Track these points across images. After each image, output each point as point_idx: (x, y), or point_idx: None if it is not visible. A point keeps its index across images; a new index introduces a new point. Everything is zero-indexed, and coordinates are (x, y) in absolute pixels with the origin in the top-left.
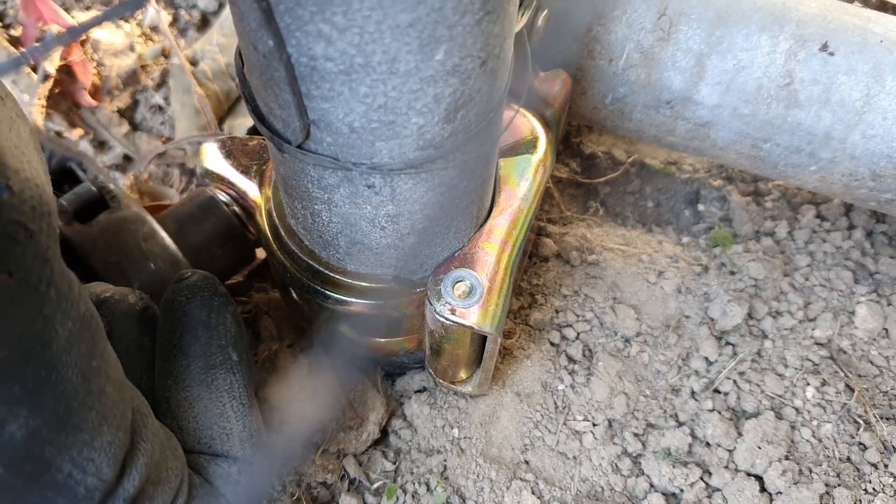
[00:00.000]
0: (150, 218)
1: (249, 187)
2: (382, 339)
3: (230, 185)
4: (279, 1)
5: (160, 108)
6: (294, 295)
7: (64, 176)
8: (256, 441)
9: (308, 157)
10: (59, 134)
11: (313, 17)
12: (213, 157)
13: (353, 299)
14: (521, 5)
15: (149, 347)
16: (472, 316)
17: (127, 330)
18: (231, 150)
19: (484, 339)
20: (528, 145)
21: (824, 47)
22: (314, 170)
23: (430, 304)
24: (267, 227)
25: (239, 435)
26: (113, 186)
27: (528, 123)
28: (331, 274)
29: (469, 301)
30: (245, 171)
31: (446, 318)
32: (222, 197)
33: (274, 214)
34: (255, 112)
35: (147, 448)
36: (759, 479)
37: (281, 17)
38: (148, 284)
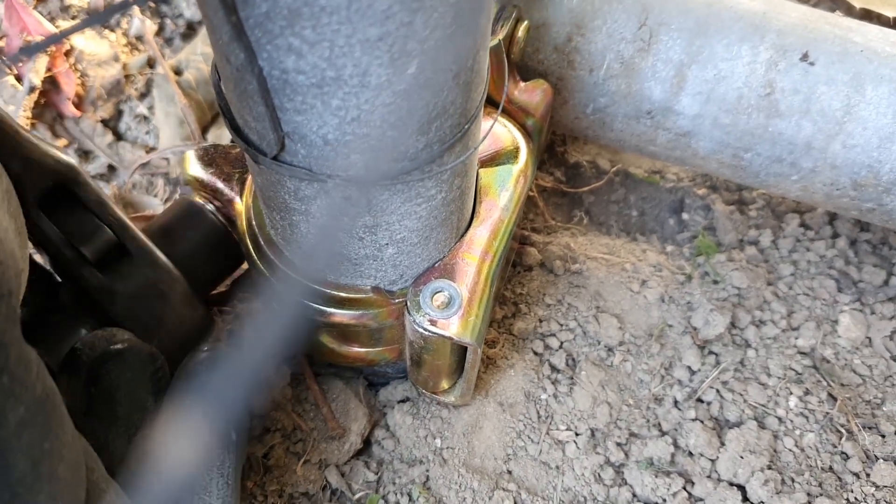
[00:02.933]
0: (178, 274)
1: (230, 195)
2: (363, 350)
3: (212, 193)
4: (249, 15)
5: (145, 118)
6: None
7: (59, 197)
8: None
9: (283, 169)
10: None
11: (283, 31)
12: (195, 165)
13: (332, 309)
14: (499, 17)
15: (151, 408)
16: (452, 327)
17: (135, 388)
18: (214, 157)
19: (464, 349)
20: (509, 155)
21: (805, 57)
22: (290, 181)
23: (410, 314)
24: (247, 236)
25: None
26: (124, 218)
27: (508, 133)
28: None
29: (448, 312)
30: (227, 180)
31: (425, 329)
32: (206, 205)
33: (254, 223)
34: (232, 124)
35: None
36: (742, 488)
37: (251, 31)
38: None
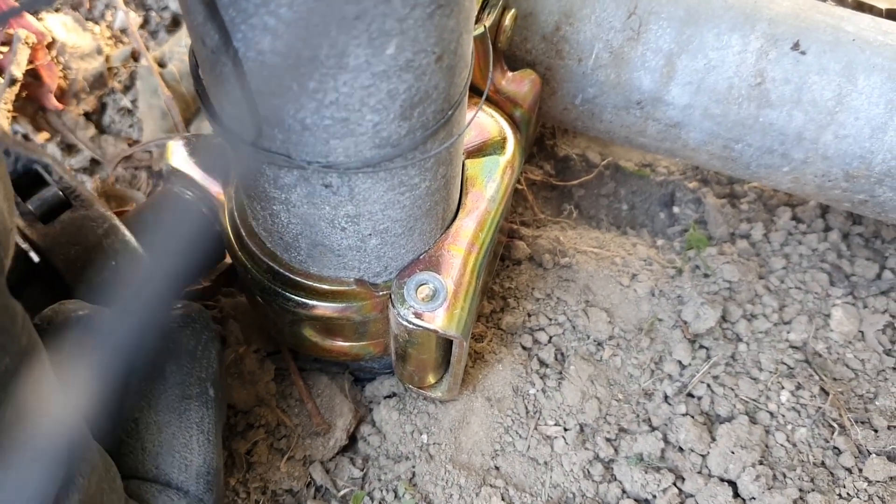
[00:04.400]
0: (111, 215)
1: (213, 186)
2: (347, 344)
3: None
4: None
5: (128, 111)
6: (257, 297)
7: (30, 180)
8: (213, 480)
9: (262, 156)
10: (25, 137)
11: (258, 9)
12: (178, 156)
13: (315, 302)
14: (486, 4)
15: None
16: (437, 320)
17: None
18: (196, 148)
19: (450, 343)
20: (497, 146)
21: (796, 46)
22: (269, 168)
23: (394, 307)
24: (229, 228)
25: (197, 469)
26: (78, 187)
27: (496, 124)
28: (292, 276)
29: (433, 305)
30: (209, 170)
31: (410, 322)
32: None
33: (236, 214)
34: (209, 110)
35: (82, 483)
36: (733, 484)
37: (225, 10)
38: (108, 281)
